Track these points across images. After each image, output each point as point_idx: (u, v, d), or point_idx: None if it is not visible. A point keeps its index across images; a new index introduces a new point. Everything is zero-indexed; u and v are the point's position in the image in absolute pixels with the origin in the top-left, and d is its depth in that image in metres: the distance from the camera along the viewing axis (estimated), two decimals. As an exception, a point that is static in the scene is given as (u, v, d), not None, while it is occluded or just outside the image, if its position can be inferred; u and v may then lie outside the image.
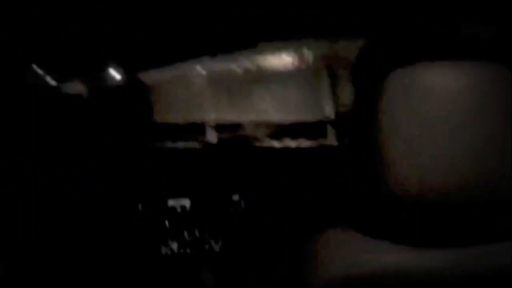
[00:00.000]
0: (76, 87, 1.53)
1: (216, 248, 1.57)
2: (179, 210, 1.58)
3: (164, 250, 1.57)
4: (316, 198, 1.54)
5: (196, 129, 1.61)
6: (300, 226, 1.49)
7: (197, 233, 1.57)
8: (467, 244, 0.74)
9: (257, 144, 1.58)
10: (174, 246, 1.57)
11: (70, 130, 1.46)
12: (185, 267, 1.57)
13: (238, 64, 1.57)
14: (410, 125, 0.71)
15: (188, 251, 1.57)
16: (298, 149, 1.55)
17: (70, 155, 1.44)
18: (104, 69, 1.56)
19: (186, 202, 1.58)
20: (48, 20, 1.43)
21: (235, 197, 1.58)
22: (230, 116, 1.60)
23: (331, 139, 1.54)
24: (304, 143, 1.56)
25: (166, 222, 1.57)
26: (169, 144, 1.60)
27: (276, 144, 1.58)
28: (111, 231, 1.54)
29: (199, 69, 1.61)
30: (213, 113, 1.60)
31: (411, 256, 0.75)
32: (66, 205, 1.46)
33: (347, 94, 1.49)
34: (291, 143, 1.57)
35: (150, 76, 1.64)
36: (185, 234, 1.57)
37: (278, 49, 1.55)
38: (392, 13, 1.39)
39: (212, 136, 1.60)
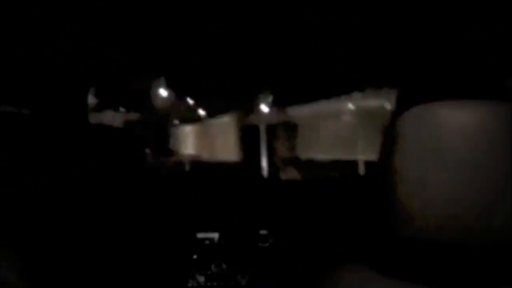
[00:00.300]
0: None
1: (243, 282, 1.57)
2: (207, 243, 1.59)
3: (191, 283, 1.57)
4: (336, 234, 1.54)
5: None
6: (322, 261, 1.48)
7: (224, 267, 1.57)
8: (478, 286, 0.73)
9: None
10: (201, 279, 1.57)
11: (70, 130, 1.49)
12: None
13: (388, 100, 1.54)
14: (422, 163, 0.71)
15: (215, 284, 1.57)
16: (322, 185, 1.55)
17: (70, 155, 1.46)
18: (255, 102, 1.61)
19: (215, 236, 1.59)
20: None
21: (263, 232, 1.59)
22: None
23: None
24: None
25: (195, 255, 1.58)
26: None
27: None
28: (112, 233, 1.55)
29: (350, 105, 1.60)
30: (363, 150, 1.57)
31: None
32: (66, 205, 1.47)
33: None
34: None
35: (298, 111, 1.65)
36: (213, 267, 1.58)
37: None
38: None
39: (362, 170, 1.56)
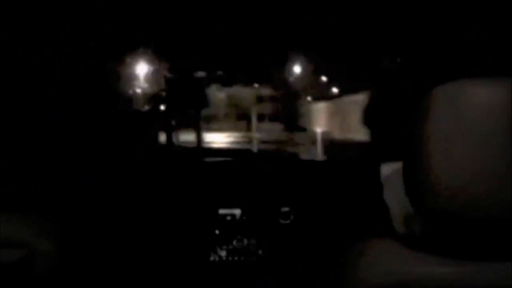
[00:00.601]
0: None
1: (263, 257, 1.60)
2: (229, 219, 1.62)
3: (213, 257, 1.61)
4: (358, 209, 1.55)
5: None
6: (343, 235, 1.50)
7: (245, 242, 1.60)
8: (504, 260, 0.74)
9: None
10: (223, 253, 1.61)
11: (70, 130, 1.51)
12: (232, 274, 1.60)
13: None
14: (451, 139, 0.72)
15: (236, 258, 1.60)
16: (342, 163, 1.56)
17: (70, 155, 1.48)
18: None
19: (237, 212, 1.62)
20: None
21: (285, 209, 1.61)
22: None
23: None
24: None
25: (217, 230, 1.61)
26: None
27: None
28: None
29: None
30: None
31: (449, 269, 0.76)
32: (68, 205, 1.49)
33: None
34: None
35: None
36: (234, 242, 1.61)
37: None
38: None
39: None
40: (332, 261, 0.93)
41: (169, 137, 1.73)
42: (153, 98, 1.70)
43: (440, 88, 0.75)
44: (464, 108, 0.72)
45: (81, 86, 1.55)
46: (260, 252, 1.60)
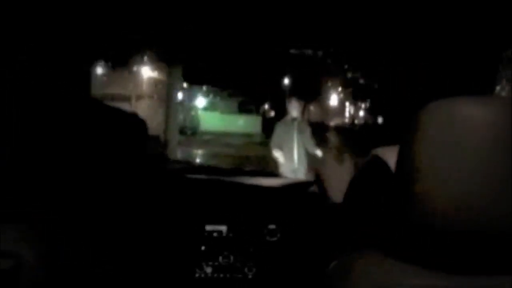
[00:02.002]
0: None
1: (249, 275, 1.59)
2: (215, 235, 1.61)
3: (198, 273, 1.59)
4: (346, 224, 1.56)
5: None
6: (331, 253, 1.50)
7: (231, 259, 1.60)
8: (493, 274, 0.75)
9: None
10: (208, 270, 1.60)
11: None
12: (218, 291, 1.59)
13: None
14: (443, 155, 0.74)
15: (222, 276, 1.59)
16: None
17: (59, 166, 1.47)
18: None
19: (223, 228, 1.61)
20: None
21: (271, 226, 1.61)
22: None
23: None
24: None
25: (203, 247, 1.60)
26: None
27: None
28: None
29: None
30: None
31: (441, 282, 0.76)
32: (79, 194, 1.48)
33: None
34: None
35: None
36: (220, 259, 1.60)
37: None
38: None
39: None
40: (320, 278, 0.93)
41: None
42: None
43: (433, 105, 0.77)
44: (457, 125, 0.74)
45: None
46: (246, 269, 1.59)
